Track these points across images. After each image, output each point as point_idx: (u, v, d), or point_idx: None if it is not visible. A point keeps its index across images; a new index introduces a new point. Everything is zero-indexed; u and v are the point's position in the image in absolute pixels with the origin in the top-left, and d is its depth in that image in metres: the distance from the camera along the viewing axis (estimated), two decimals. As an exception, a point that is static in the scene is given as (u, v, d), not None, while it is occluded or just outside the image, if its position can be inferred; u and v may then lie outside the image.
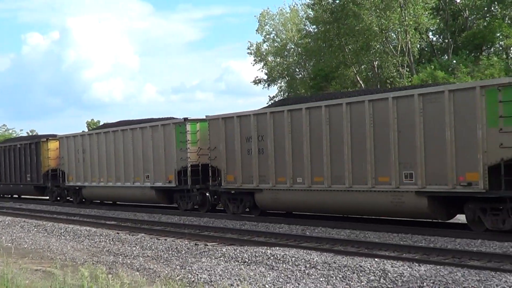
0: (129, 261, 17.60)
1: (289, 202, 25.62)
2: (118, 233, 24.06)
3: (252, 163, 26.64)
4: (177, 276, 14.79)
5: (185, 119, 30.40)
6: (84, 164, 38.32)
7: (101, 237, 23.05)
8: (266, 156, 26.01)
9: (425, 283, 12.99)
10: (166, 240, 21.84)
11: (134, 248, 20.26)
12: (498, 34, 53.60)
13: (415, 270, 14.23)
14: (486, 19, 56.04)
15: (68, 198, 42.23)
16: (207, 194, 29.95)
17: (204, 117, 29.71)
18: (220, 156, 28.20)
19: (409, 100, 20.81)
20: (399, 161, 21.06)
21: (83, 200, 40.13)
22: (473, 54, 53.75)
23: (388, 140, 21.37)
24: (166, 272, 15.58)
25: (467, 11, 56.14)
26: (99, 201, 39.96)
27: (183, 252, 18.81)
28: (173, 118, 32.63)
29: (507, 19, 54.60)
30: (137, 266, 16.69)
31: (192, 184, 30.04)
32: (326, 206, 24.20)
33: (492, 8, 55.69)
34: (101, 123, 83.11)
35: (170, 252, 18.95)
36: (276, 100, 70.84)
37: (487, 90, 18.59)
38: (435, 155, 20.03)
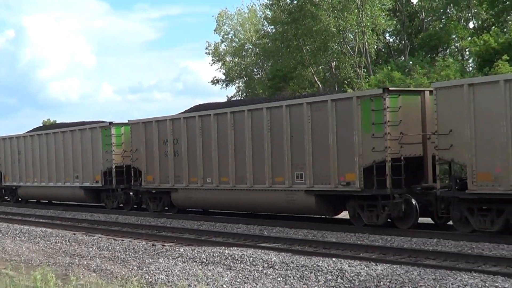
0: (85, 262, 17.45)
1: (201, 200, 27.88)
2: (74, 234, 23.86)
3: (168, 165, 28.75)
4: (134, 276, 14.68)
5: (110, 123, 32.60)
6: (20, 165, 39.88)
7: (57, 238, 22.81)
8: (181, 158, 28.17)
9: (381, 282, 13.08)
10: (123, 240, 21.71)
11: (91, 249, 20.09)
12: (454, 36, 54.24)
13: (372, 270, 14.32)
14: (442, 21, 56.66)
15: (5, 197, 43.62)
16: (131, 193, 31.69)
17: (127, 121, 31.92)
18: (141, 158, 30.29)
19: (299, 108, 23.17)
20: (292, 163, 23.35)
21: (19, 199, 41.58)
22: (429, 55, 54.29)
23: (282, 144, 23.68)
24: (123, 273, 15.47)
25: (423, 13, 56.71)
26: (35, 201, 41.23)
27: (140, 253, 18.71)
28: (101, 121, 34.23)
29: (462, 21, 55.28)
30: (94, 267, 16.56)
31: (117, 184, 32.24)
32: (232, 203, 26.65)
33: (448, 10, 56.32)
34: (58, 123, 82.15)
35: (127, 253, 18.83)
36: (234, 99, 70.89)
37: (362, 100, 21.05)
38: (321, 158, 22.40)
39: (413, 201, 20.11)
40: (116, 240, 21.92)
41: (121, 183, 31.84)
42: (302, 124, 22.88)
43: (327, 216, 24.26)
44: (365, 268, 14.49)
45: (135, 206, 31.95)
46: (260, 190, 24.50)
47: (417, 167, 20.77)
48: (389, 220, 20.89)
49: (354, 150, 21.15)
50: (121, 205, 32.41)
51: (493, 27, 48.34)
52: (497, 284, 12.50)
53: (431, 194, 20.13)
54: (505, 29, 47.75)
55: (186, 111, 29.48)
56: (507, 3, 48.30)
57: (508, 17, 49.61)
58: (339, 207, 22.90)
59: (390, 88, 20.83)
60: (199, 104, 30.03)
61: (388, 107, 20.18)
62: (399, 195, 20.26)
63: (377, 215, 20.94)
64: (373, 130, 20.52)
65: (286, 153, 23.47)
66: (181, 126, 27.91)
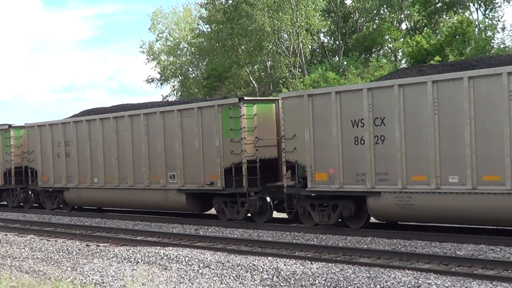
0: (17, 264, 17.16)
1: None
2: (6, 235, 23.42)
3: None
4: (68, 278, 14.50)
5: None
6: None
7: (-12, 239, 22.36)
8: None
9: (317, 281, 13.17)
10: (57, 241, 21.40)
11: (23, 250, 19.75)
12: (387, 37, 55.03)
13: (308, 268, 14.42)
14: (376, 22, 57.42)
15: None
16: None
17: None
18: None
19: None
20: None
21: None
22: (363, 56, 55.00)
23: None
24: (57, 274, 15.26)
25: (357, 14, 57.37)
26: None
27: (74, 253, 18.47)
28: None
29: (395, 22, 56.10)
30: (26, 269, 16.29)
31: None
32: None
33: (381, 11, 57.08)
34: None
35: (60, 254, 18.57)
36: (169, 99, 70.62)
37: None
38: None
39: (31, 192, 32.27)
40: (49, 240, 21.60)
41: None
42: None
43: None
44: (301, 267, 14.58)
45: None
46: None
47: None
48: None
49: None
50: None
51: (425, 29, 49.22)
52: (429, 281, 12.70)
53: None
54: (436, 31, 48.69)
55: None
56: (438, 5, 49.28)
57: (440, 18, 50.55)
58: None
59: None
60: None
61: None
62: (21, 188, 32.75)
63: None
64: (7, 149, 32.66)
65: None
66: None
